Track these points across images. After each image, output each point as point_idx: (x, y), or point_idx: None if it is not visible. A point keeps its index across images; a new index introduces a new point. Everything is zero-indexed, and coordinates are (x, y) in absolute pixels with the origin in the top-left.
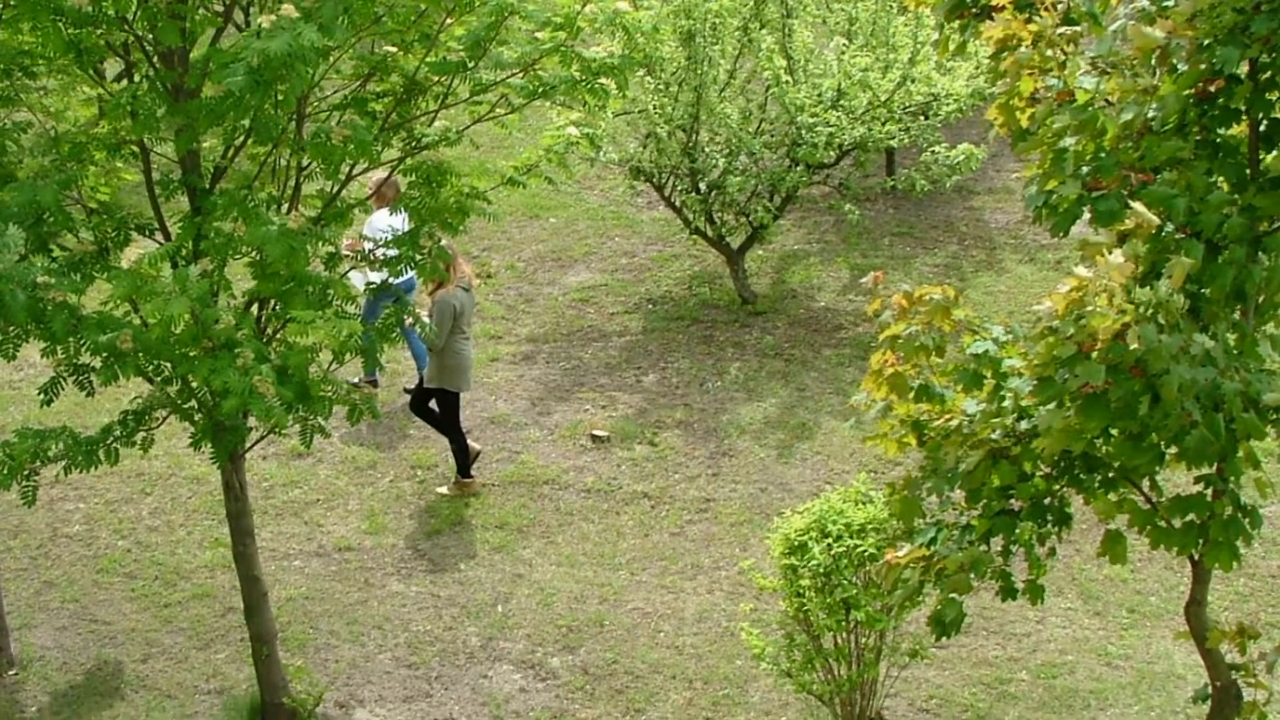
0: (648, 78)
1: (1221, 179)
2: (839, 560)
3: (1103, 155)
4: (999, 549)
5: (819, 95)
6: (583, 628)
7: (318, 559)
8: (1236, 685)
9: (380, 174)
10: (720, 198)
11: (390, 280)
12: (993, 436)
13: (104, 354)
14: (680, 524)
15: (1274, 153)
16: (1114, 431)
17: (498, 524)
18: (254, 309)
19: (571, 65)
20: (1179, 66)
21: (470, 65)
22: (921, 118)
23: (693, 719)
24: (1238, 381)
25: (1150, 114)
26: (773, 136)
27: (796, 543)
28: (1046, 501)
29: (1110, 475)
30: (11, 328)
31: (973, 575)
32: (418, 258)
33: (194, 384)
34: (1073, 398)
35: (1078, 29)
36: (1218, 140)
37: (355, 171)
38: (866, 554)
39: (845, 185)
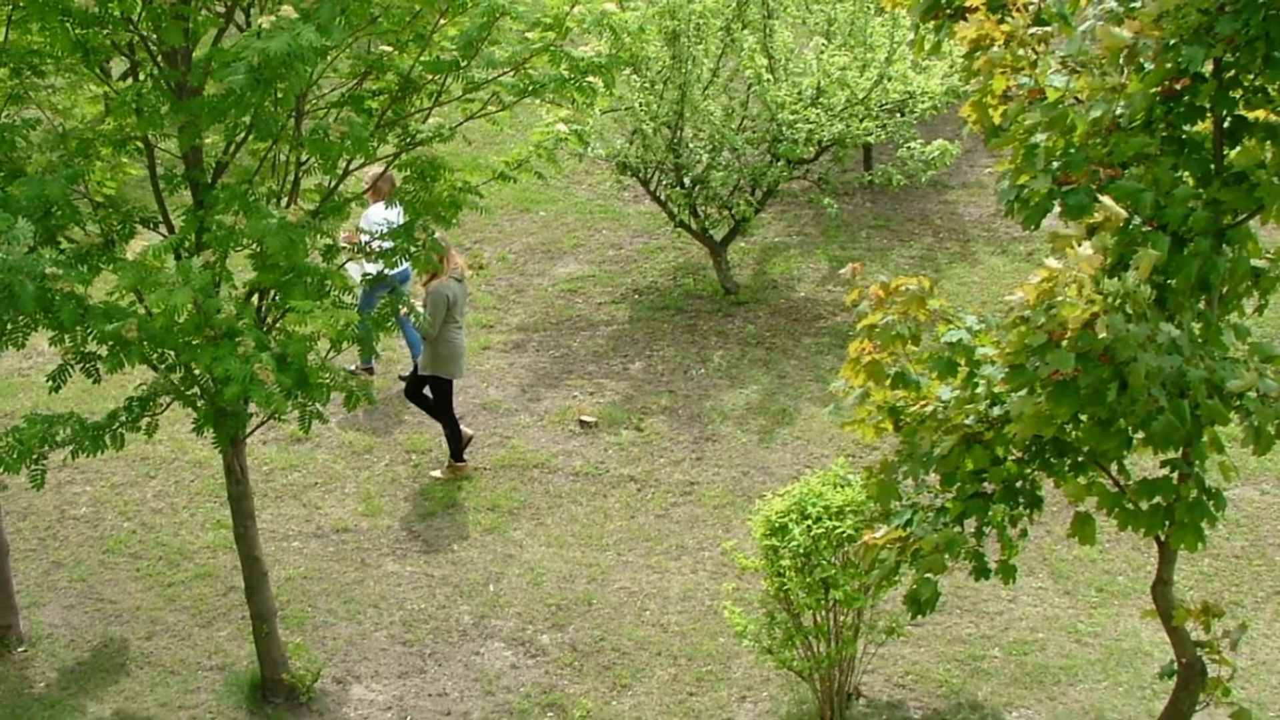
0: (634, 76)
1: (1187, 174)
2: (818, 541)
3: (1072, 151)
4: (972, 530)
5: (799, 93)
6: (571, 606)
7: (316, 540)
8: (1201, 662)
9: (376, 169)
10: (704, 192)
11: (386, 271)
12: (966, 422)
13: (110, 342)
14: (665, 506)
15: (1237, 148)
16: (1083, 417)
17: (489, 506)
18: (254, 299)
19: (560, 64)
20: (1146, 65)
21: (463, 64)
22: (898, 115)
23: (677, 694)
24: (1202, 369)
25: (1118, 111)
26: (754, 133)
27: (777, 524)
28: (1018, 484)
29: (1080, 459)
30: (21, 317)
31: (947, 555)
32: (412, 249)
33: (197, 371)
34: (1043, 384)
35: (1048, 29)
36: (1183, 136)
37: (352, 166)
38: (845, 535)
39: (824, 180)
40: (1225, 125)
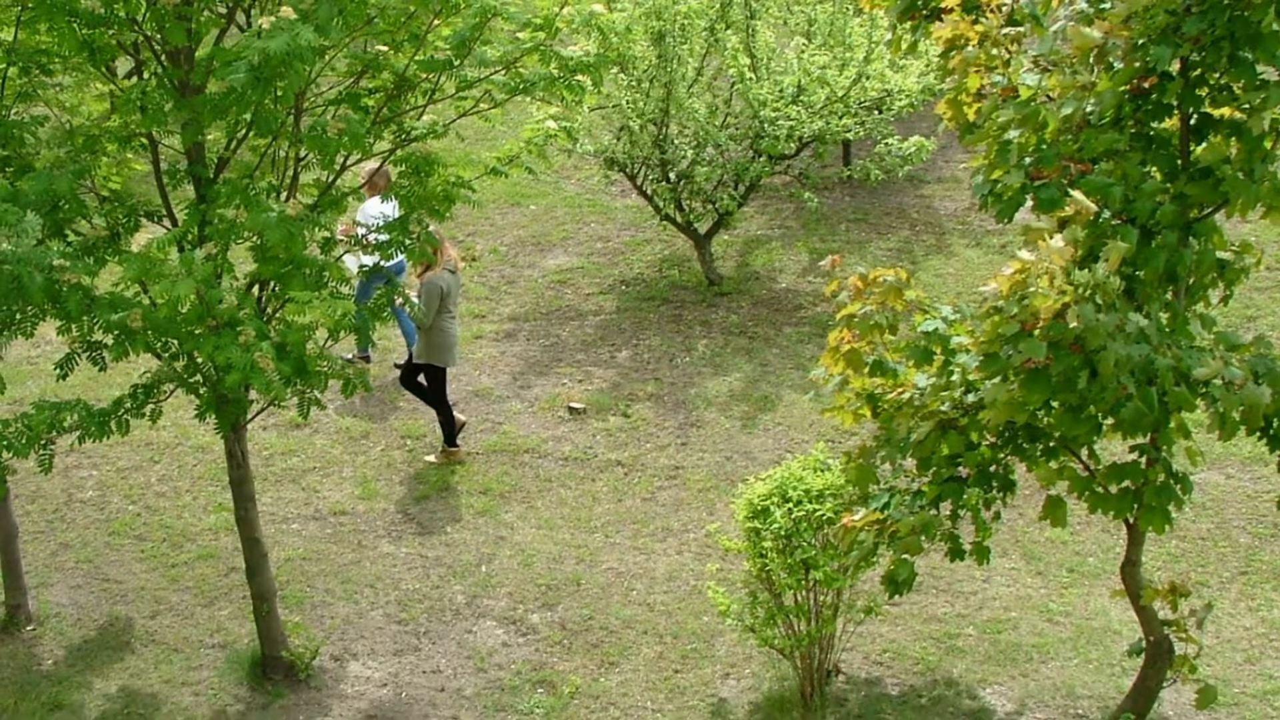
0: (621, 75)
1: (1155, 169)
2: (799, 523)
3: (1044, 147)
4: (948, 513)
5: (780, 91)
6: (561, 586)
7: (314, 522)
8: (1169, 640)
9: (372, 164)
10: (688, 186)
11: (382, 263)
12: (942, 408)
13: (115, 332)
14: (651, 490)
15: (1203, 144)
16: (1055, 404)
17: (481, 490)
18: (255, 290)
19: (550, 63)
20: (1115, 64)
21: (456, 63)
22: (876, 112)
23: (663, 671)
24: (1170, 357)
25: (1088, 109)
26: (737, 130)
27: (759, 507)
28: (992, 469)
29: (1051, 444)
30: (30, 307)
31: (923, 537)
32: (407, 242)
33: (199, 359)
34: (1016, 372)
35: (1021, 29)
36: (1151, 133)
37: (349, 162)
38: (824, 518)
39: (805, 175)
40: (1192, 122)
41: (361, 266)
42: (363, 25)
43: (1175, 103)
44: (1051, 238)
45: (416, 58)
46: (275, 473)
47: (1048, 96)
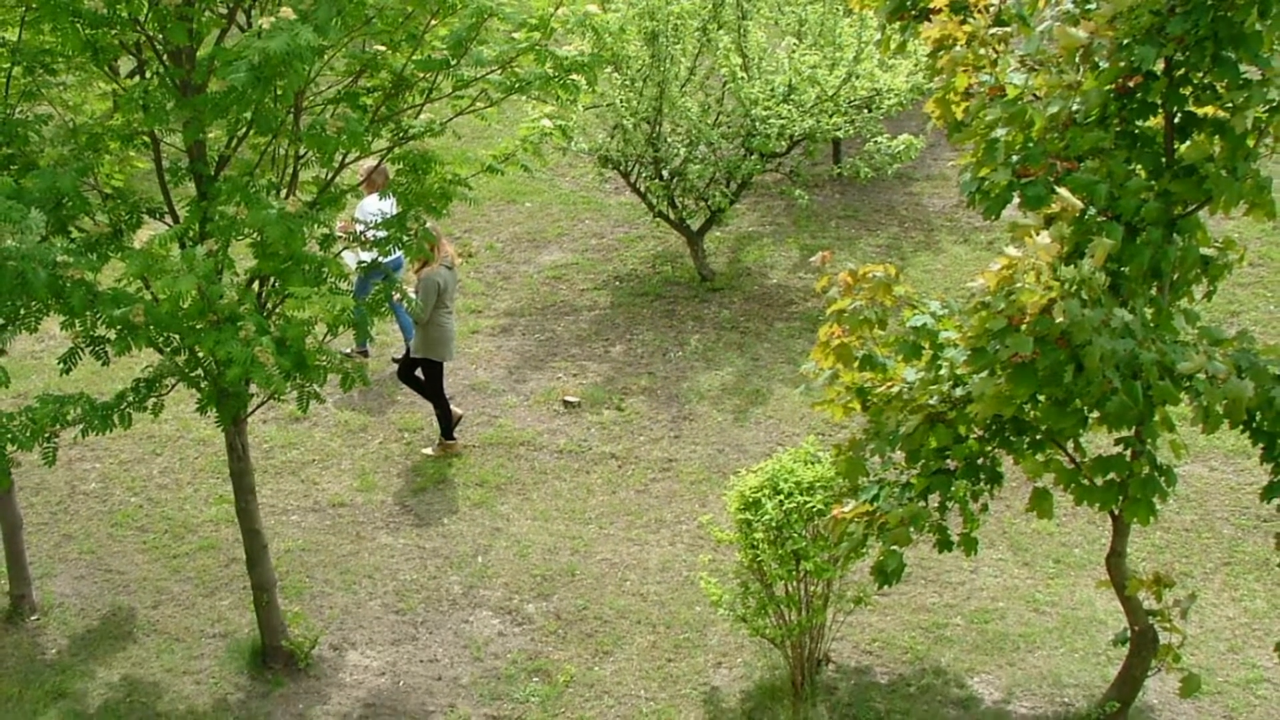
0: (615, 74)
1: (1139, 167)
2: (790, 515)
3: (1031, 145)
4: (936, 505)
5: (772, 90)
6: (555, 577)
7: (313, 514)
8: (1153, 629)
9: (371, 162)
10: (681, 184)
11: (380, 259)
12: (930, 402)
13: (118, 327)
14: (645, 482)
15: (1187, 143)
16: (1041, 397)
17: (478, 482)
18: (255, 286)
19: (545, 63)
20: (1101, 64)
21: (453, 63)
22: (865, 111)
23: (656, 660)
24: (1154, 352)
25: (1074, 107)
26: (729, 128)
27: (751, 499)
28: (979, 461)
29: (1038, 437)
30: (34, 302)
31: (912, 529)
32: (405, 238)
33: (200, 354)
34: (1003, 366)
35: (1008, 29)
36: (1136, 131)
37: (348, 160)
38: (815, 509)
39: (795, 172)
40: (1176, 121)
41: (360, 262)
42: (361, 25)
43: (1160, 101)
44: (1038, 234)
45: (414, 57)
46: (275, 465)
47: (1034, 95)
